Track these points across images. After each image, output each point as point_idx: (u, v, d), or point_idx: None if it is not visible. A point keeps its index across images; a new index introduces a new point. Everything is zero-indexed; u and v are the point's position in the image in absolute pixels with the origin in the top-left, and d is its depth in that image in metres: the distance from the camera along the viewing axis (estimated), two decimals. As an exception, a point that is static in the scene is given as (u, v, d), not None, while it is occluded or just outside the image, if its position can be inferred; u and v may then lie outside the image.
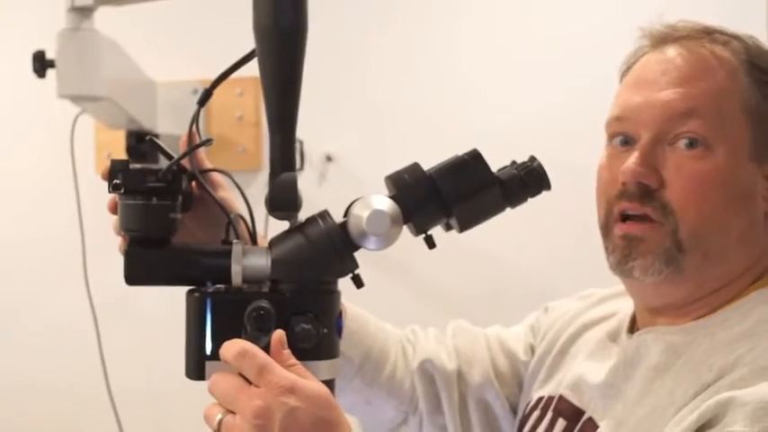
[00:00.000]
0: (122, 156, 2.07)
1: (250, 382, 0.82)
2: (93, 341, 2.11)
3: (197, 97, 2.20)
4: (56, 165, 2.16)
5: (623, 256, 0.96)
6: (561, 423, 1.04)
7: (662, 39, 0.99)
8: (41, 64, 1.78)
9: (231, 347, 0.83)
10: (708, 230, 0.93)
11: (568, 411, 1.04)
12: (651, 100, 0.96)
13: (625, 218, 0.97)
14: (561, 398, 1.06)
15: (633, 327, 1.04)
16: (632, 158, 0.95)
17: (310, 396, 0.81)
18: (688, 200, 0.93)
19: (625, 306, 1.08)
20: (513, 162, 0.97)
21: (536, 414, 1.10)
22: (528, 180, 0.94)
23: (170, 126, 2.12)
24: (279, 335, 0.85)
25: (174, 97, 2.13)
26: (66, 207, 2.14)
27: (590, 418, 1.00)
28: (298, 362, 0.84)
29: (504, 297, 1.95)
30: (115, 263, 2.13)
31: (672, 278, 0.94)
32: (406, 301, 2.03)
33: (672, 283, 0.95)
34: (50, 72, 1.80)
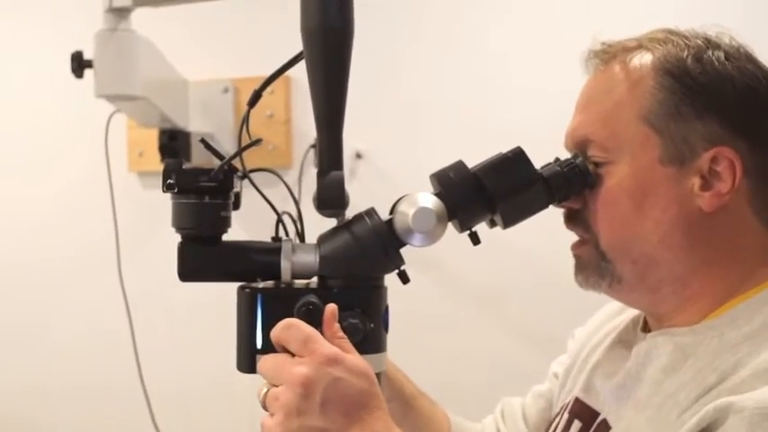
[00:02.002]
0: (154, 154, 2.10)
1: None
2: (127, 338, 2.15)
3: (228, 96, 2.25)
4: (90, 163, 2.20)
5: (574, 272, 1.02)
6: (577, 424, 1.06)
7: (590, 60, 1.03)
8: (79, 64, 1.81)
9: (279, 323, 0.86)
10: (623, 239, 0.96)
11: (584, 413, 1.05)
12: (568, 129, 1.02)
13: None
14: (577, 400, 1.08)
15: (646, 326, 1.05)
16: None
17: (353, 368, 0.83)
18: (599, 215, 0.97)
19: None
20: (557, 159, 0.99)
21: (557, 419, 1.12)
22: (571, 176, 0.97)
23: (201, 124, 2.15)
24: (331, 308, 0.87)
25: (206, 96, 2.16)
26: (100, 205, 2.17)
27: (604, 420, 1.01)
28: (345, 336, 0.87)
29: (537, 293, 1.97)
30: (149, 259, 2.18)
31: (617, 288, 0.99)
32: (439, 296, 2.05)
33: (620, 292, 1.00)
34: (87, 72, 1.83)
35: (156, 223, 2.20)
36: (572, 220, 1.01)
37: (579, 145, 0.99)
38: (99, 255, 2.21)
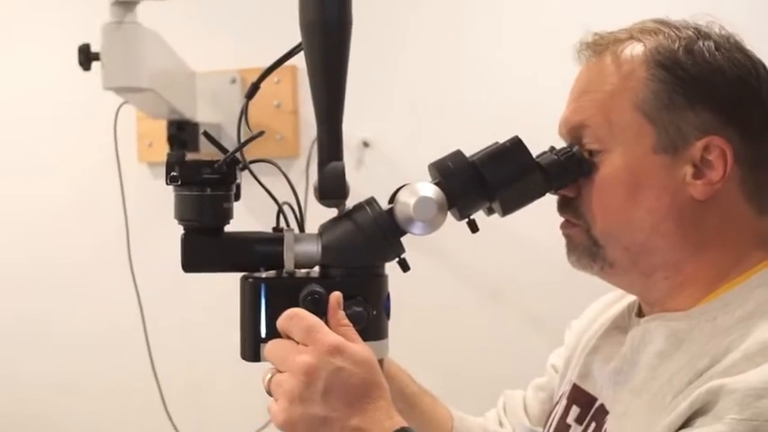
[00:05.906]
0: (163, 145, 2.12)
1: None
2: (138, 328, 2.17)
3: (235, 86, 2.26)
4: (100, 154, 2.21)
5: (566, 252, 1.03)
6: (575, 410, 1.07)
7: (582, 51, 1.03)
8: (87, 57, 1.82)
9: (284, 313, 0.88)
10: (616, 226, 0.97)
11: (582, 399, 1.07)
12: (562, 117, 1.03)
13: None
14: (575, 386, 1.09)
15: (641, 311, 1.06)
16: None
17: (356, 357, 0.85)
18: (593, 203, 0.98)
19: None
20: (552, 147, 1.00)
21: (556, 407, 1.13)
22: (568, 165, 0.98)
23: (209, 115, 2.16)
24: (336, 296, 0.89)
25: (213, 87, 2.17)
26: (110, 196, 2.19)
27: (602, 405, 1.02)
28: (350, 323, 0.88)
29: (545, 283, 1.97)
30: (160, 251, 2.20)
31: (609, 272, 1.00)
32: (445, 285, 2.06)
33: (613, 275, 1.01)
34: (95, 64, 1.85)
35: (166, 213, 2.19)
36: (565, 207, 1.02)
37: (574, 131, 1.00)
38: (110, 245, 2.22)
